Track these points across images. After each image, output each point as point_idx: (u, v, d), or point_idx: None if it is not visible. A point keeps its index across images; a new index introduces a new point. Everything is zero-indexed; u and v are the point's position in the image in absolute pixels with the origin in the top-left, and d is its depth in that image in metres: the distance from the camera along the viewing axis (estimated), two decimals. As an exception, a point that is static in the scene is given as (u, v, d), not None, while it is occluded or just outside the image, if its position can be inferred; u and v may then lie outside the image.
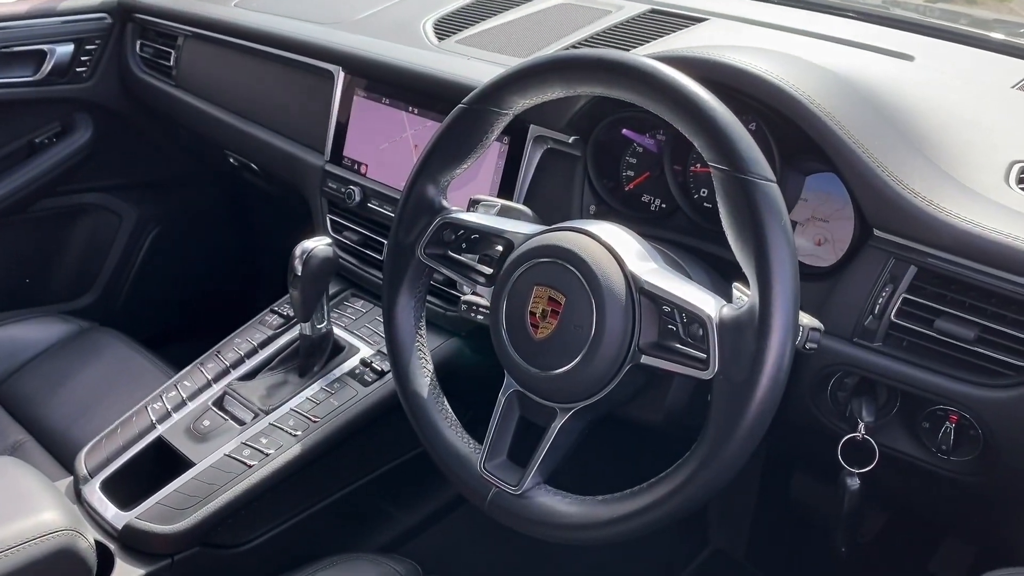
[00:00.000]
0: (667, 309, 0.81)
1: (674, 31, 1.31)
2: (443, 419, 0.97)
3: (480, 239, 0.96)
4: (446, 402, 0.99)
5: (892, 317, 0.89)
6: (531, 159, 1.19)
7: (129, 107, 1.89)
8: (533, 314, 0.87)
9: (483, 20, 1.46)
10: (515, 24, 1.43)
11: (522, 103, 0.92)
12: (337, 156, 1.43)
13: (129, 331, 1.71)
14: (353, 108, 1.40)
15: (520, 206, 1.05)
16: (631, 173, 1.15)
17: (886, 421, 0.92)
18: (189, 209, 2.12)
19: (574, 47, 1.31)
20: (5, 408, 1.55)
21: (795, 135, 0.94)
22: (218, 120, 1.67)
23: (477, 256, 0.99)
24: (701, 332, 0.78)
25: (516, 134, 1.19)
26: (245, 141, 1.62)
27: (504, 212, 1.03)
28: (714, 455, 0.76)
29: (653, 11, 1.39)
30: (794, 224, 1.00)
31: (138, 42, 1.82)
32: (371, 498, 1.28)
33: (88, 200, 1.97)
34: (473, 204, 1.05)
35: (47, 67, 1.77)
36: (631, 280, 0.83)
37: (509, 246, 0.93)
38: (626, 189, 1.15)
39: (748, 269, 0.76)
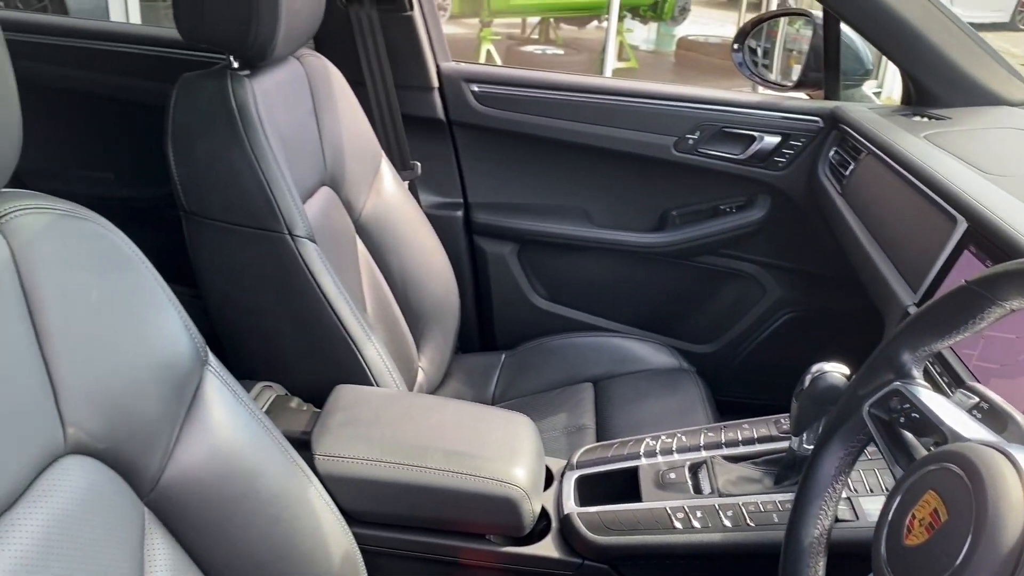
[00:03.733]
0: (1031, 583, 0.65)
1: None
2: (809, 574, 0.93)
3: (920, 421, 0.88)
4: (822, 562, 0.94)
5: None
6: (1094, 376, 0.99)
7: (804, 200, 2.06)
8: (914, 516, 0.78)
9: None
10: None
11: (1018, 301, 0.81)
12: (923, 301, 1.37)
13: (713, 383, 1.92)
14: (959, 261, 1.32)
15: (1015, 413, 0.90)
16: None
17: None
18: (823, 306, 2.20)
19: None
20: (596, 397, 1.92)
21: None
22: (848, 227, 1.73)
23: (932, 440, 0.90)
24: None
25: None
26: (858, 253, 1.65)
27: (988, 412, 0.91)
28: None
29: None
30: None
31: (833, 148, 1.97)
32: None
33: (742, 268, 2.21)
34: (965, 390, 0.95)
35: (752, 150, 2.05)
36: (1030, 536, 0.69)
37: (943, 440, 0.84)
38: None
39: None
